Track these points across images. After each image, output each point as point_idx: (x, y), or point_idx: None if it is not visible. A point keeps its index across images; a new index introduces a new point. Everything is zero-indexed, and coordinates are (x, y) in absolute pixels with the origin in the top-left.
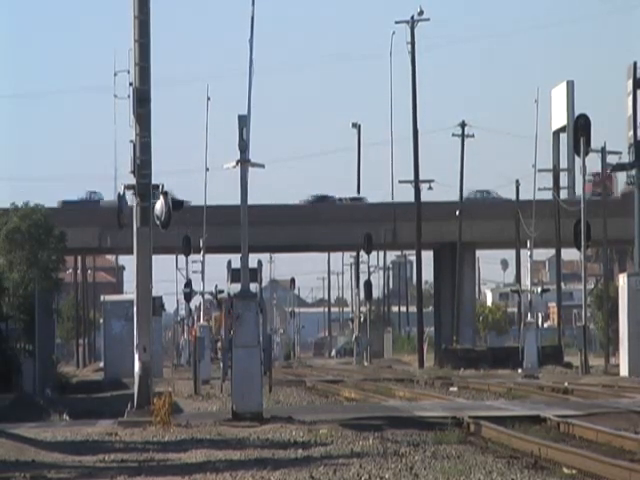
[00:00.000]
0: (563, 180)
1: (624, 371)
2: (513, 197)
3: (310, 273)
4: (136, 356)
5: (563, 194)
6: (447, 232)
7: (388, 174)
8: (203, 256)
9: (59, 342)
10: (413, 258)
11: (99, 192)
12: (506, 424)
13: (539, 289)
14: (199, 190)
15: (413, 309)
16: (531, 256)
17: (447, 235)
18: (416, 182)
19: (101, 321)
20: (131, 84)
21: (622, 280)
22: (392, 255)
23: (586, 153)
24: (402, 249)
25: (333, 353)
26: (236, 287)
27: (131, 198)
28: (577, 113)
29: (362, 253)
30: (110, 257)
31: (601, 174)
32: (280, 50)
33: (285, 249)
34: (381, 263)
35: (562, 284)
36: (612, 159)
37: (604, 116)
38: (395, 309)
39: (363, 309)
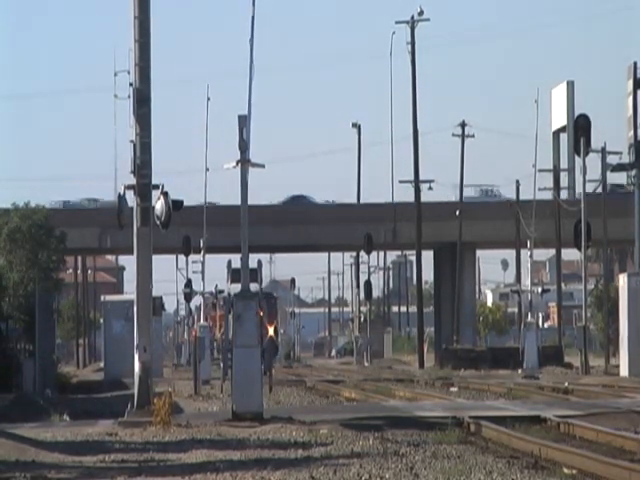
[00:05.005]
0: (563, 180)
1: (624, 371)
2: (513, 197)
3: (310, 273)
4: (136, 356)
5: (563, 194)
6: (447, 232)
7: (388, 174)
8: (203, 256)
9: (59, 342)
10: (413, 258)
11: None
12: (506, 424)
13: (539, 289)
14: (199, 190)
15: (413, 309)
16: (531, 256)
17: (447, 235)
18: (416, 182)
19: (101, 321)
20: (131, 84)
21: (622, 280)
22: (392, 255)
23: (586, 153)
24: (402, 249)
25: (333, 353)
26: (236, 287)
27: (131, 198)
28: (577, 113)
29: (362, 253)
30: (110, 257)
31: (601, 174)
32: (280, 50)
33: (285, 249)
34: (381, 263)
35: (562, 284)
36: (612, 159)
37: (604, 116)
38: (395, 309)
39: (363, 309)
